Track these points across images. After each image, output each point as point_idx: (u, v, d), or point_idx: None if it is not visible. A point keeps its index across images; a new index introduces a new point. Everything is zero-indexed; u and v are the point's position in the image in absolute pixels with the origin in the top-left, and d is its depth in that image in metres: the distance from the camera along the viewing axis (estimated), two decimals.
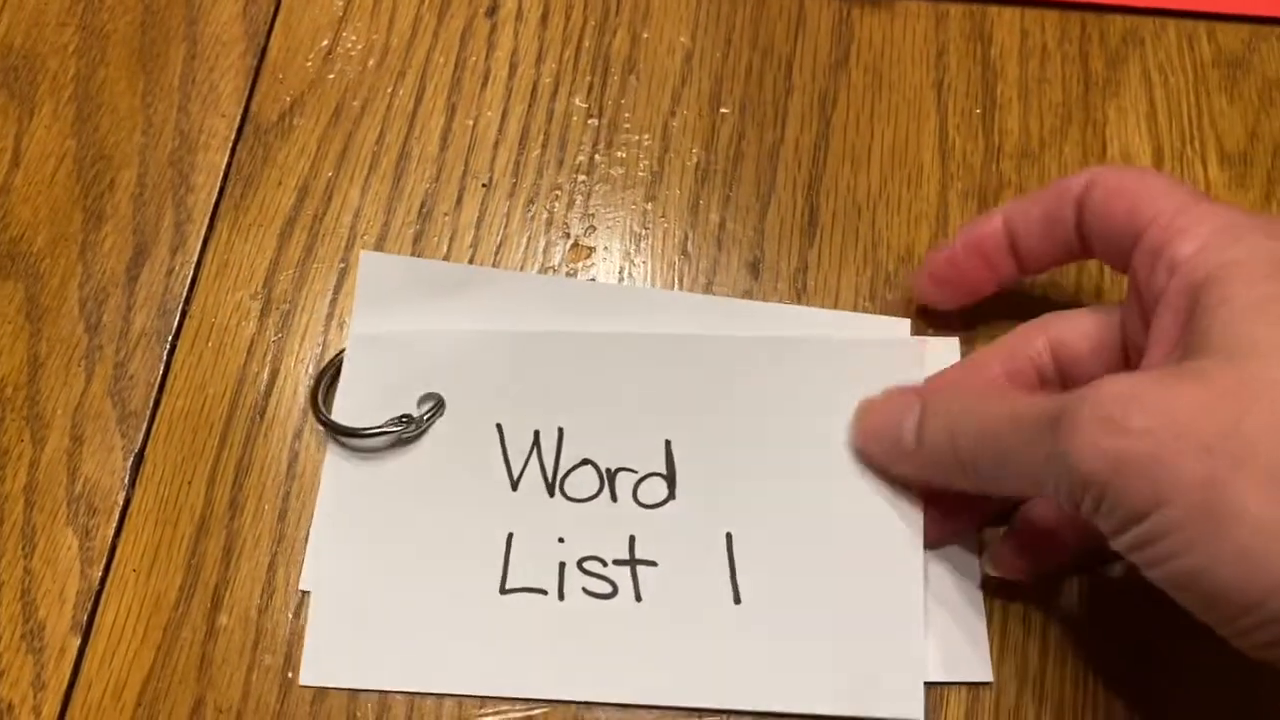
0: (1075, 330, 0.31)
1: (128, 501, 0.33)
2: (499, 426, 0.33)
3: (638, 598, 0.31)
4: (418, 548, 0.32)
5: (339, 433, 0.33)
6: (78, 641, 0.31)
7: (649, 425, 0.33)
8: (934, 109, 0.39)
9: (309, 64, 0.39)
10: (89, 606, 0.32)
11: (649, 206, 0.37)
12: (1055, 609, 0.32)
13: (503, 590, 0.31)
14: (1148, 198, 0.28)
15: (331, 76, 0.39)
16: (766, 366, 0.33)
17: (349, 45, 0.39)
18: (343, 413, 0.33)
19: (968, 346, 0.34)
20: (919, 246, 0.36)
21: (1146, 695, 0.31)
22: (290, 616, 0.32)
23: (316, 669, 0.31)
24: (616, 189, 0.37)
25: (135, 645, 0.31)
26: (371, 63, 0.39)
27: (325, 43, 0.39)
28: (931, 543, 0.31)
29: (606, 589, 0.31)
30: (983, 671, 0.31)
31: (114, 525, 0.33)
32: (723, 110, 0.38)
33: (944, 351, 0.34)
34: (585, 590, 0.31)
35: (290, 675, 0.31)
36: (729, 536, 0.32)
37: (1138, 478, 0.23)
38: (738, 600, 0.31)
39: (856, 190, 0.37)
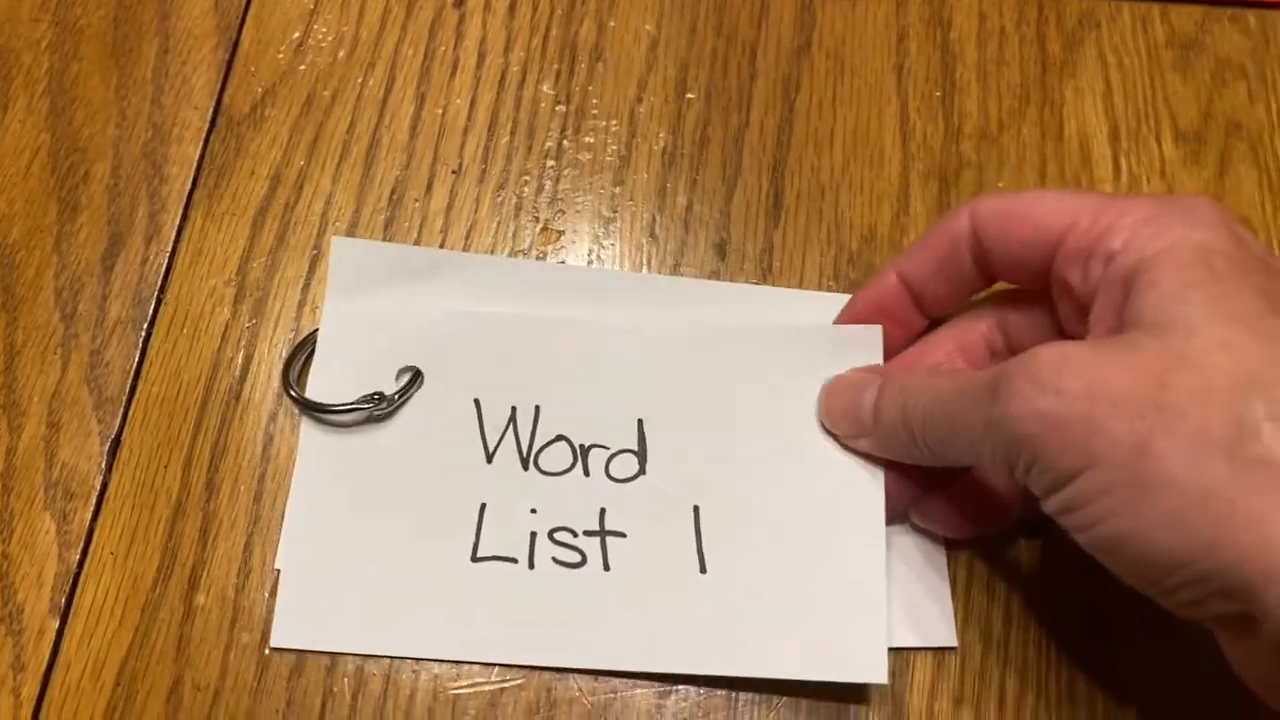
0: (1022, 305, 0.32)
1: (105, 486, 0.33)
2: (476, 402, 0.34)
3: (606, 567, 0.32)
4: (391, 518, 0.33)
5: (311, 409, 0.33)
6: (56, 623, 0.32)
7: (622, 405, 0.34)
8: (895, 92, 0.39)
9: (280, 56, 0.39)
10: (67, 589, 0.32)
11: (617, 190, 0.38)
12: (1018, 576, 0.33)
13: (474, 558, 0.32)
14: (1049, 212, 0.29)
15: (303, 68, 0.39)
16: (735, 350, 0.34)
17: (319, 37, 0.40)
18: (317, 390, 0.34)
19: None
20: (881, 226, 0.37)
21: (1105, 659, 0.31)
22: (266, 595, 0.32)
23: (287, 631, 0.31)
24: (585, 174, 0.38)
25: (113, 626, 0.32)
26: (342, 54, 0.39)
27: (296, 35, 0.40)
28: (894, 513, 0.32)
29: (576, 558, 0.32)
30: (947, 637, 0.32)
31: (91, 509, 0.33)
32: (688, 96, 0.39)
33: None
34: (555, 559, 0.32)
35: (267, 652, 0.31)
36: (696, 509, 0.32)
37: (1068, 438, 0.24)
38: (703, 570, 0.32)
39: (820, 172, 0.38)
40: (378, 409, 0.33)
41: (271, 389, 0.35)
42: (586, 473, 0.33)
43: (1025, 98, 0.39)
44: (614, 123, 0.39)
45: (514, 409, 0.34)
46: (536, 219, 0.37)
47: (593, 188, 0.38)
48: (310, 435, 0.34)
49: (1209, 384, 0.23)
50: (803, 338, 0.34)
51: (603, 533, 0.32)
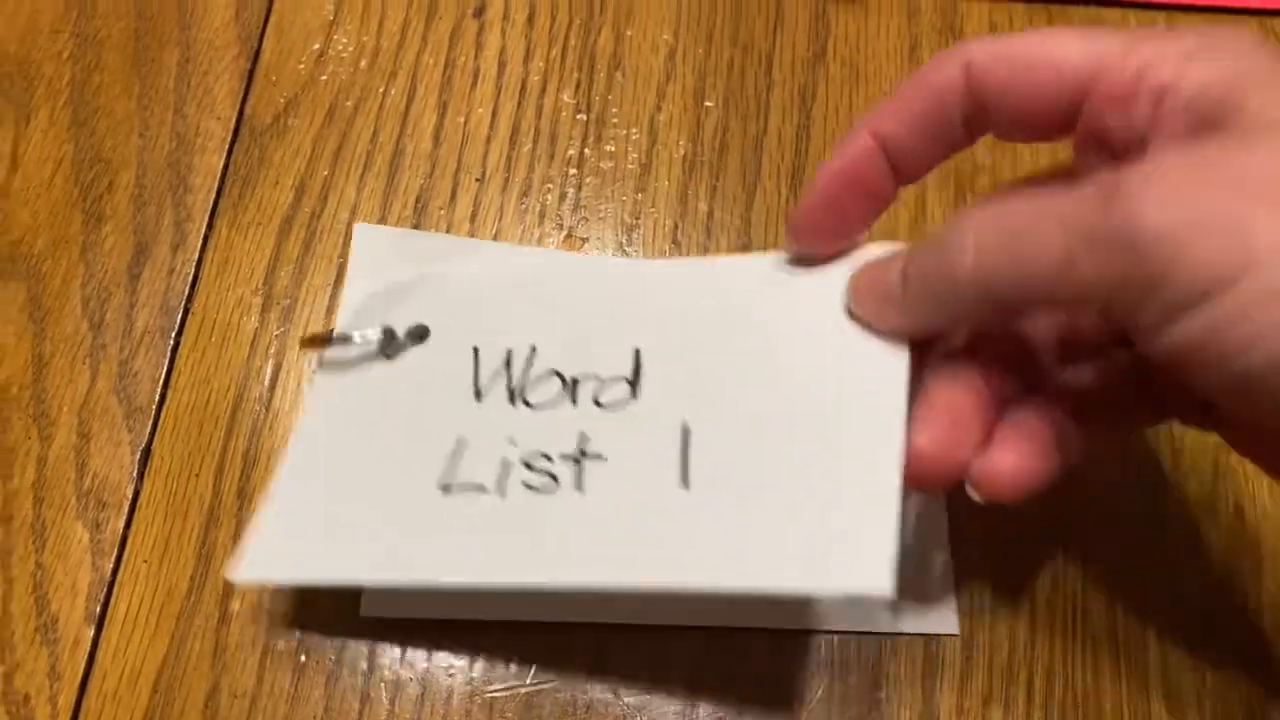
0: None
1: (136, 494, 0.34)
2: (475, 350, 0.34)
3: (579, 488, 0.30)
4: (370, 457, 0.32)
5: (323, 342, 0.34)
6: (91, 632, 0.32)
7: (619, 336, 0.33)
8: None
9: (301, 67, 0.40)
10: (101, 598, 0.32)
11: (639, 197, 0.38)
12: (1021, 567, 0.33)
13: (444, 490, 0.31)
14: (1068, 55, 0.25)
15: (324, 78, 0.40)
16: (740, 278, 0.33)
17: (340, 48, 0.40)
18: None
19: None
20: (900, 232, 0.38)
21: (1133, 649, 0.32)
22: (301, 601, 0.32)
23: (253, 565, 0.30)
24: (606, 181, 0.38)
25: (149, 634, 0.32)
26: (363, 64, 0.40)
27: (317, 46, 0.40)
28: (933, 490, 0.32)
29: (548, 483, 0.31)
30: (949, 624, 0.32)
31: (124, 518, 0.33)
32: (707, 104, 0.40)
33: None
34: (525, 485, 0.31)
35: (303, 659, 0.32)
36: (685, 428, 0.31)
37: (1217, 239, 0.20)
38: (685, 484, 0.30)
39: None
40: (387, 347, 0.34)
41: (301, 397, 0.35)
42: (574, 402, 0.32)
43: None
44: (634, 131, 0.39)
45: (509, 351, 0.33)
46: (561, 226, 0.38)
47: (615, 195, 0.38)
48: (319, 384, 0.34)
49: None
50: (803, 265, 0.32)
51: (580, 456, 0.31)
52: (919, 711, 0.31)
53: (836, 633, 0.32)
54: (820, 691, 0.32)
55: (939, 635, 0.32)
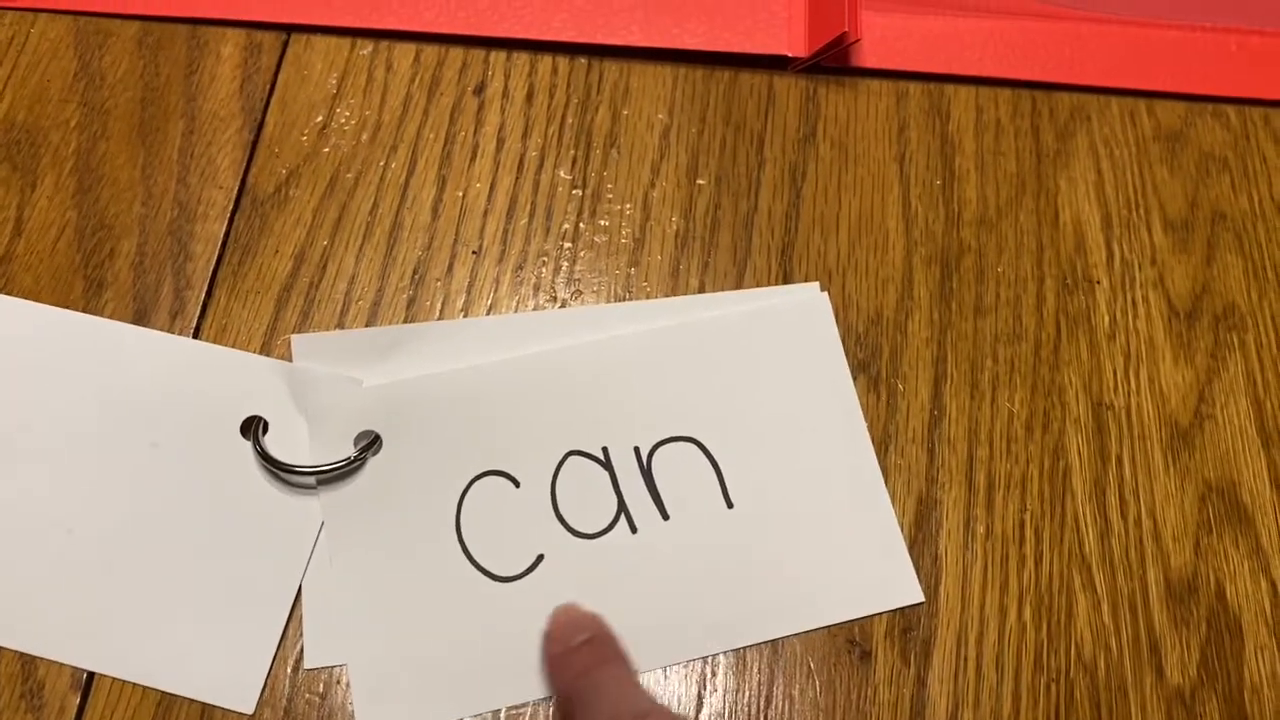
0: None
1: None
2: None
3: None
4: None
5: (276, 467, 0.34)
6: (77, 699, 0.32)
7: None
8: (897, 180, 0.41)
9: (304, 138, 0.41)
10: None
11: (632, 271, 0.39)
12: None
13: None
14: None
15: (326, 150, 0.40)
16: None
17: (342, 120, 0.41)
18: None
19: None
20: (887, 310, 0.39)
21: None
22: (289, 670, 0.32)
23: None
24: (601, 255, 0.39)
25: (135, 702, 0.32)
26: (365, 137, 0.41)
27: (320, 118, 0.41)
28: None
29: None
30: (914, 594, 0.34)
31: None
32: (699, 182, 0.41)
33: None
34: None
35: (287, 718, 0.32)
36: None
37: None
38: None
39: (827, 256, 0.39)
40: (334, 469, 0.34)
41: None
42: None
43: (1022, 186, 0.41)
44: (628, 206, 0.40)
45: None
46: (555, 298, 0.38)
47: (608, 269, 0.39)
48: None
49: None
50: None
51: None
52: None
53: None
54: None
55: (906, 607, 0.34)
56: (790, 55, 0.42)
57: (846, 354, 0.38)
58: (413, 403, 0.35)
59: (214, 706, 0.32)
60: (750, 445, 0.35)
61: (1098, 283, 0.39)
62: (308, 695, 0.32)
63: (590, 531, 0.34)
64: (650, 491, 0.35)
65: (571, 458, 0.35)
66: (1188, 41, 0.44)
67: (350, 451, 0.34)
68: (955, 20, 0.44)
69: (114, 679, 0.32)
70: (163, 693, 0.32)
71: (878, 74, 0.43)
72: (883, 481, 0.35)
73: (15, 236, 0.38)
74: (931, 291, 0.39)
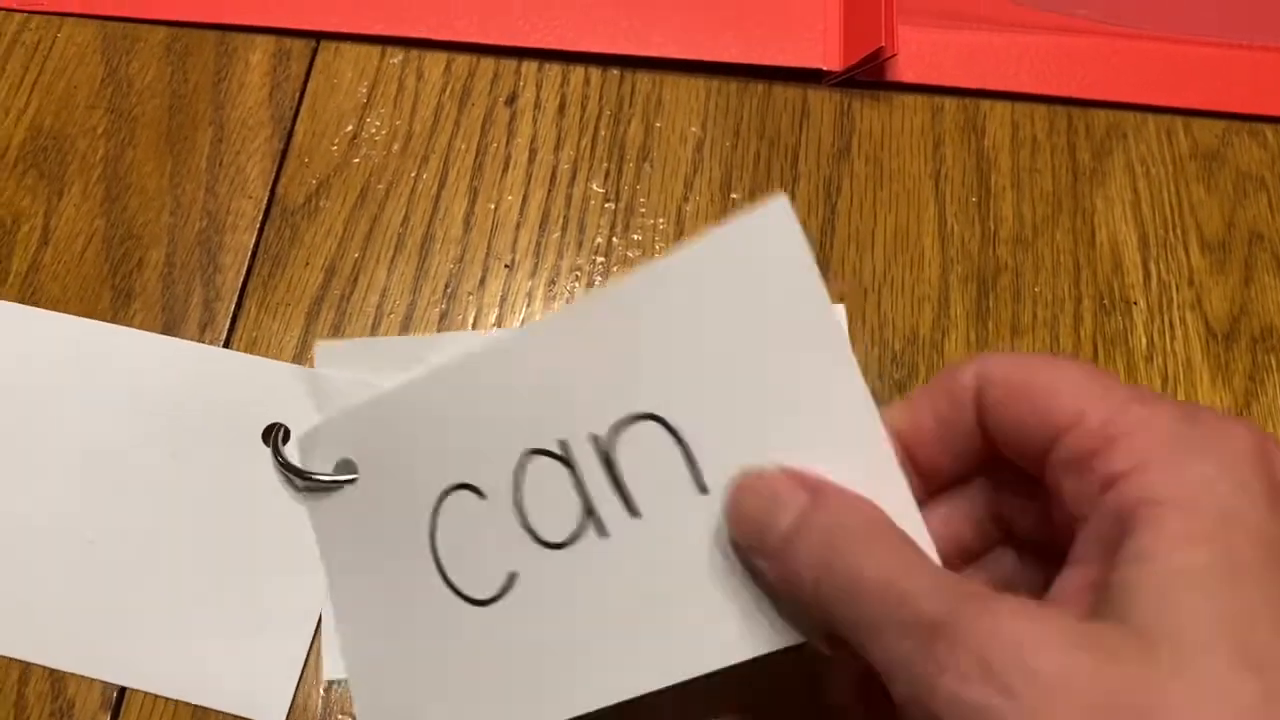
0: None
1: None
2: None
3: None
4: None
5: (296, 475, 0.34)
6: (108, 718, 0.31)
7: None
8: (932, 197, 0.41)
9: (334, 148, 0.40)
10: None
11: None
12: None
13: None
14: (1054, 394, 0.24)
15: (356, 161, 0.40)
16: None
17: (373, 131, 0.41)
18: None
19: None
20: (923, 328, 0.38)
21: None
22: (321, 692, 0.32)
23: None
24: (633, 270, 0.39)
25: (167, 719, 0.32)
26: (395, 148, 0.40)
27: (350, 128, 0.41)
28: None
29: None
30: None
31: None
32: (733, 196, 0.40)
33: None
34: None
35: None
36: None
37: None
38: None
39: (862, 273, 0.39)
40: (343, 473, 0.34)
41: None
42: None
43: (1058, 204, 0.41)
44: (661, 220, 0.40)
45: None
46: None
47: None
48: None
49: None
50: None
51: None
52: None
53: None
54: None
55: None
56: (825, 69, 0.42)
57: (881, 374, 0.37)
58: (380, 422, 0.33)
59: (244, 719, 0.32)
60: (719, 414, 0.28)
61: (1135, 304, 0.39)
62: (340, 716, 0.32)
63: (558, 540, 0.30)
64: (615, 486, 0.29)
65: (532, 459, 0.30)
66: (1225, 59, 0.44)
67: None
68: (991, 35, 0.43)
69: (144, 696, 0.32)
70: (194, 707, 0.32)
71: (913, 89, 0.43)
72: (888, 441, 0.26)
73: (43, 245, 0.38)
74: (968, 310, 0.39)
